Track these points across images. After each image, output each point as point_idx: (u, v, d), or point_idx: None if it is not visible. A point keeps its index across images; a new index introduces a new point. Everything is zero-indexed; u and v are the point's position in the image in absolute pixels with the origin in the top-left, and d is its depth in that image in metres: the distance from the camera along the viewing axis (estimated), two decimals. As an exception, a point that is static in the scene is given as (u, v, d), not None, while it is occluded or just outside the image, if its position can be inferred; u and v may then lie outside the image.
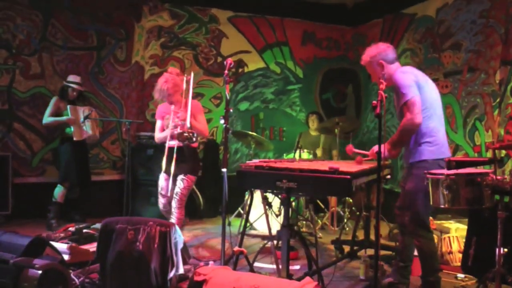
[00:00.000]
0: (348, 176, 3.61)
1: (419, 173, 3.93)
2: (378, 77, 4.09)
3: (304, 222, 6.85)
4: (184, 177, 5.20)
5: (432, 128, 4.00)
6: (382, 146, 3.87)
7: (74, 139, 6.67)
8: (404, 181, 4.17)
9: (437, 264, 4.14)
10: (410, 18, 7.79)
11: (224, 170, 4.13)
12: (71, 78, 6.90)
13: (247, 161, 4.81)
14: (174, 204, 5.19)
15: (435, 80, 6.81)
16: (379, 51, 4.19)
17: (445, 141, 4.11)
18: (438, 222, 5.56)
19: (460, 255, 4.86)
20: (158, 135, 5.41)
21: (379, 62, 4.15)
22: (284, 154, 7.37)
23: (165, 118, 5.29)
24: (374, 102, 3.35)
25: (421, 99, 3.93)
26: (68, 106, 6.67)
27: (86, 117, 6.70)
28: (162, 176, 5.30)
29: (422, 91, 3.97)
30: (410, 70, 4.16)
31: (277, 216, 5.73)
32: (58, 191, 6.70)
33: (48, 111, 6.73)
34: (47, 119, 6.72)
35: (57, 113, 6.74)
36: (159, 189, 5.33)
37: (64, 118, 6.68)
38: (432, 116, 4.02)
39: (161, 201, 5.36)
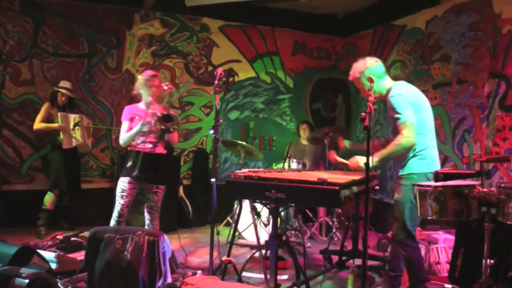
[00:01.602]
0: (337, 187, 3.63)
1: (407, 184, 3.98)
2: (367, 92, 4.12)
3: (292, 231, 6.85)
4: (158, 190, 4.91)
5: (423, 144, 4.03)
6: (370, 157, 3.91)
7: (64, 146, 6.66)
8: (395, 192, 4.21)
9: (424, 274, 4.16)
10: (400, 30, 7.85)
11: (213, 180, 4.13)
12: (62, 83, 6.93)
13: (237, 171, 4.82)
14: (151, 216, 4.91)
15: (424, 92, 6.89)
16: (368, 66, 4.19)
17: (436, 156, 4.14)
18: (427, 232, 5.59)
19: (448, 266, 4.89)
20: (124, 135, 4.83)
21: (369, 78, 4.13)
22: (274, 164, 7.38)
23: (135, 119, 4.84)
24: (363, 114, 3.38)
25: (416, 119, 3.98)
26: (59, 113, 6.67)
27: (76, 125, 6.70)
28: (126, 180, 4.78)
29: (418, 111, 4.00)
30: (406, 90, 4.11)
31: (265, 225, 5.74)
32: (48, 198, 6.67)
33: (39, 117, 6.73)
34: (38, 125, 6.71)
35: (48, 119, 6.74)
36: (124, 193, 4.76)
37: (55, 124, 6.67)
38: (424, 133, 4.04)
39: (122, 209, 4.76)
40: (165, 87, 4.83)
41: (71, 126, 6.70)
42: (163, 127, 4.60)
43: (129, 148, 4.94)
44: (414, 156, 4.02)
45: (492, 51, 6.18)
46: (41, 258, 4.15)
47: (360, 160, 4.03)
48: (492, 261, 4.09)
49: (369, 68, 4.18)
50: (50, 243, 4.99)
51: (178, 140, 8.15)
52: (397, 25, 7.93)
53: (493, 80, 6.16)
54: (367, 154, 3.39)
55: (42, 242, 5.04)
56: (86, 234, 4.67)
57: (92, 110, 7.63)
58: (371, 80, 4.10)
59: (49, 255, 4.47)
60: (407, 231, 4.03)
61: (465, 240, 4.59)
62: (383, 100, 4.23)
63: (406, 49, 7.64)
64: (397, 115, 3.94)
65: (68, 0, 7.46)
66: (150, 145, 4.83)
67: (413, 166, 4.02)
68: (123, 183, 4.77)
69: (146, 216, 4.94)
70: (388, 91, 4.14)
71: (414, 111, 3.97)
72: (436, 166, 4.08)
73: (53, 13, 7.39)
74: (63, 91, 6.84)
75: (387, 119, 4.31)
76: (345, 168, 6.99)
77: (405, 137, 3.90)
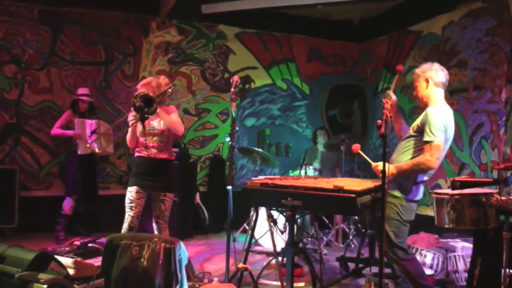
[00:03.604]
0: (353, 195, 3.61)
1: (392, 202, 3.99)
2: (421, 94, 4.11)
3: (309, 238, 6.83)
4: (165, 198, 4.71)
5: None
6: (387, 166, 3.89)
7: (79, 152, 6.71)
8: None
9: (427, 280, 4.11)
10: (416, 35, 7.82)
11: (229, 187, 4.13)
12: (80, 91, 7.03)
13: (253, 178, 4.81)
14: (158, 227, 4.72)
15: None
16: (431, 68, 4.14)
17: (423, 185, 4.11)
18: (444, 240, 5.54)
19: (466, 275, 4.84)
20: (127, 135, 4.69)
21: (426, 78, 4.12)
22: (290, 171, 7.37)
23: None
24: (379, 121, 3.36)
25: None
26: (76, 120, 6.74)
27: (93, 132, 6.75)
28: (134, 190, 4.64)
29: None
30: (448, 117, 4.03)
31: (282, 233, 5.73)
32: (67, 204, 6.74)
33: (58, 122, 6.84)
34: (54, 130, 6.82)
35: (68, 126, 6.84)
36: (132, 204, 4.63)
37: (70, 132, 6.74)
38: None
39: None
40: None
41: (88, 132, 6.77)
42: (143, 107, 4.23)
43: (134, 155, 4.80)
44: (409, 179, 4.00)
45: (510, 57, 6.13)
46: (58, 263, 4.18)
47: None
48: (511, 271, 4.04)
49: (431, 71, 4.12)
50: (67, 249, 5.02)
51: (194, 147, 8.22)
52: (413, 30, 7.89)
53: (511, 86, 6.10)
54: (383, 162, 3.37)
55: (60, 247, 5.07)
56: (104, 240, 4.70)
57: (109, 117, 7.69)
58: (426, 81, 4.09)
59: (66, 260, 4.49)
60: (395, 246, 4.00)
61: (483, 249, 4.53)
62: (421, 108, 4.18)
63: (422, 54, 7.60)
64: (432, 131, 3.86)
65: (86, 9, 7.56)
66: (154, 150, 4.64)
67: (397, 187, 4.01)
68: (130, 193, 4.63)
69: (154, 226, 4.75)
70: (433, 103, 4.09)
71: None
72: (419, 193, 4.05)
73: (70, 22, 7.49)
74: (84, 98, 6.93)
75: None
76: (361, 176, 7.00)
77: (426, 160, 3.83)
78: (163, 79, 4.78)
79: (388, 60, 8.51)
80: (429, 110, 3.98)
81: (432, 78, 4.10)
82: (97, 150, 6.84)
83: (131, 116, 4.51)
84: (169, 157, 4.76)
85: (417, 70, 4.21)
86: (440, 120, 3.89)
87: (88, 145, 6.77)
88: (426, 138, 3.87)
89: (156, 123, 4.63)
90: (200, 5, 7.82)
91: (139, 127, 4.56)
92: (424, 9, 7.59)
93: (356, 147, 4.37)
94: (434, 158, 3.81)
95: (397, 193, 4.00)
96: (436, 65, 4.18)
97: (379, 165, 3.99)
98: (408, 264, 4.00)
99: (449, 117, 4.00)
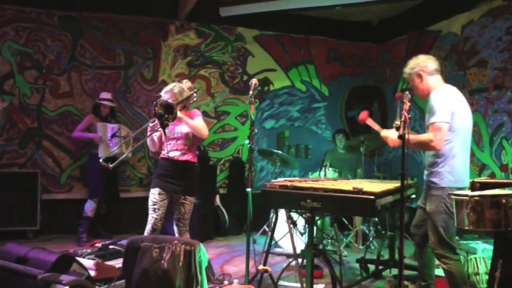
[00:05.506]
0: (372, 197, 3.60)
1: (439, 194, 3.93)
2: (421, 89, 4.15)
3: (329, 240, 6.81)
4: (185, 201, 4.67)
5: (453, 153, 3.96)
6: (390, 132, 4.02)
7: (100, 155, 6.77)
8: (425, 201, 4.14)
9: (468, 286, 4.06)
10: (435, 35, 7.76)
11: (249, 189, 4.14)
12: (102, 95, 7.13)
13: (272, 180, 4.81)
14: (179, 229, 4.69)
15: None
16: (418, 62, 4.19)
17: (466, 167, 4.05)
18: (465, 242, 5.49)
19: (487, 277, 4.78)
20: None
21: (418, 73, 4.14)
22: (310, 173, 7.36)
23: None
24: (397, 122, 3.35)
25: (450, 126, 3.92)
26: (97, 124, 6.82)
27: (113, 135, 6.82)
28: (156, 192, 4.64)
29: (453, 118, 3.94)
30: (449, 93, 4.05)
31: (302, 234, 5.72)
32: (88, 206, 6.82)
33: (80, 126, 6.97)
34: (76, 133, 6.94)
35: (89, 129, 6.95)
36: (156, 206, 4.62)
37: (91, 134, 6.83)
38: (455, 141, 3.97)
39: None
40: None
41: (109, 136, 6.83)
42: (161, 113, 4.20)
43: (159, 157, 4.78)
44: (445, 166, 3.96)
45: (531, 56, 6.07)
46: (80, 265, 4.23)
47: (393, 135, 4.08)
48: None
49: (419, 64, 4.17)
50: (89, 250, 5.07)
51: (214, 150, 8.25)
52: (432, 30, 7.84)
53: (532, 85, 6.04)
54: (402, 163, 3.36)
55: (81, 249, 5.13)
56: (124, 242, 4.74)
57: (129, 120, 7.75)
58: (419, 76, 4.11)
59: (88, 262, 4.54)
60: (445, 243, 3.94)
61: (504, 251, 4.48)
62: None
63: (441, 54, 7.53)
64: (435, 112, 3.89)
65: (105, 14, 7.64)
66: (178, 153, 4.65)
67: (445, 180, 3.95)
68: (153, 195, 4.62)
69: (175, 229, 4.73)
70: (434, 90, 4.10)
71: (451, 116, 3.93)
72: (465, 181, 3.99)
73: (90, 27, 7.58)
74: (105, 102, 7.02)
75: (423, 125, 4.25)
76: (381, 177, 6.96)
77: (429, 139, 3.86)
78: (186, 83, 4.79)
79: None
80: (430, 95, 4.03)
81: (424, 70, 4.15)
82: (117, 150, 6.88)
83: (151, 124, 4.51)
84: (193, 160, 4.75)
85: (406, 70, 4.27)
86: (438, 100, 3.94)
87: (110, 148, 6.82)
88: (429, 121, 3.91)
89: (179, 127, 4.66)
90: (219, 8, 7.86)
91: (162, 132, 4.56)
92: (443, 8, 7.53)
93: (364, 115, 4.39)
94: (437, 139, 3.85)
95: (442, 182, 3.97)
96: (421, 57, 4.25)
97: (389, 137, 4.29)
98: (453, 265, 3.96)
99: (449, 94, 4.03)
